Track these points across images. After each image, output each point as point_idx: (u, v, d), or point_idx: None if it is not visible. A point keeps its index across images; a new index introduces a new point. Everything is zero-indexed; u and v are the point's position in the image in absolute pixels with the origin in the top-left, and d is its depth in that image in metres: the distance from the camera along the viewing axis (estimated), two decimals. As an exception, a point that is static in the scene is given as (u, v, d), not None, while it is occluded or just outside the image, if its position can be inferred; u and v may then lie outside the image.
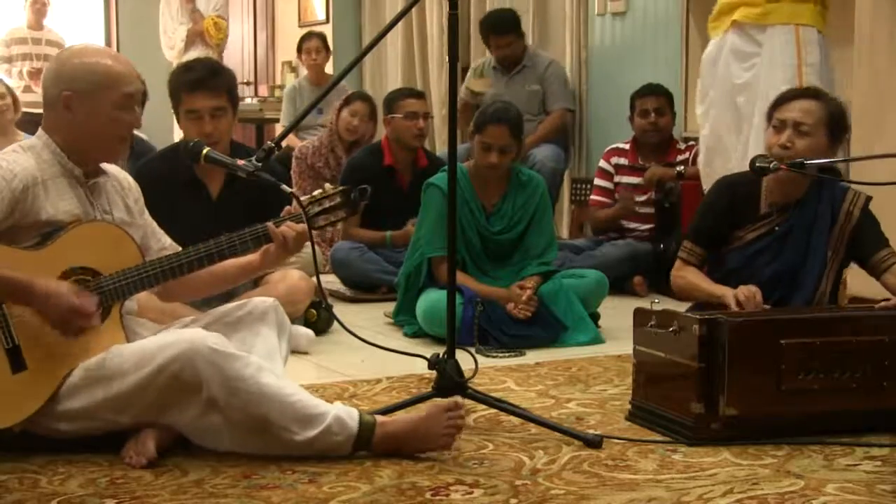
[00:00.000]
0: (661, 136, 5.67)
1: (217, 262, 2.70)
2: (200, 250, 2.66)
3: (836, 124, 3.42)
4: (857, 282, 3.83)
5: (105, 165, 2.77)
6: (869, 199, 3.44)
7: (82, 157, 2.66)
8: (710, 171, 4.62)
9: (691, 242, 3.52)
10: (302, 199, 2.75)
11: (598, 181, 5.80)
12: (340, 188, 2.78)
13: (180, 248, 2.80)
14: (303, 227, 2.71)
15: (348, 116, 5.98)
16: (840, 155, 3.70)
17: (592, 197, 5.82)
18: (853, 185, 3.54)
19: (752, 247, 3.45)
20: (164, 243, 2.87)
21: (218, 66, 3.98)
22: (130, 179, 2.87)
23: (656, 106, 5.65)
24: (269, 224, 2.71)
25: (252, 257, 2.78)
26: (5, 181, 2.52)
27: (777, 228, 3.43)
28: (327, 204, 2.75)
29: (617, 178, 5.72)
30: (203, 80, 3.71)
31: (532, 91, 6.43)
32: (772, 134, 3.41)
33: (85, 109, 2.63)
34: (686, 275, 3.48)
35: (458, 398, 2.62)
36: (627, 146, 5.74)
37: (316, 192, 2.78)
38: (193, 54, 8.47)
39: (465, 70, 7.35)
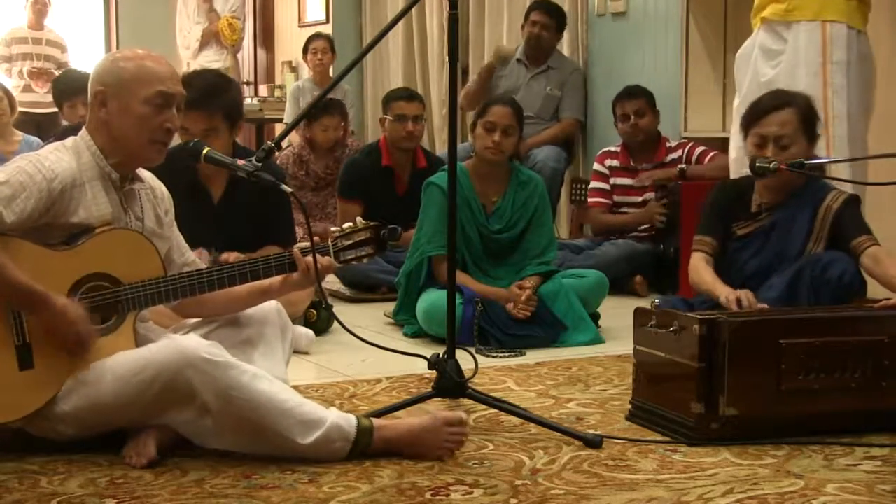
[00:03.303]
0: (646, 137, 5.67)
1: (238, 283, 2.68)
2: (223, 270, 2.66)
3: (811, 123, 3.50)
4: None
5: (142, 173, 2.75)
6: (852, 196, 3.47)
7: (119, 159, 2.64)
8: (739, 166, 4.58)
9: (701, 234, 3.62)
10: (332, 229, 2.75)
11: (594, 183, 5.82)
12: (371, 223, 2.75)
13: (202, 265, 2.80)
14: (328, 259, 2.71)
15: (321, 133, 5.98)
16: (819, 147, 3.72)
17: (591, 199, 5.83)
18: (843, 185, 3.57)
19: (739, 242, 3.56)
20: (187, 258, 2.85)
21: (216, 87, 3.78)
22: (164, 190, 2.83)
23: (635, 108, 5.65)
24: (295, 250, 2.70)
25: (271, 281, 2.76)
26: (46, 181, 2.50)
27: (763, 226, 3.52)
28: (356, 238, 2.73)
29: (612, 180, 5.73)
30: (196, 102, 3.51)
31: (550, 95, 6.40)
32: (755, 151, 3.47)
33: (116, 105, 2.61)
34: (696, 268, 3.54)
35: (463, 414, 2.61)
36: (618, 149, 5.77)
37: (346, 226, 2.75)
38: (208, 54, 8.51)
39: (464, 71, 7.35)
